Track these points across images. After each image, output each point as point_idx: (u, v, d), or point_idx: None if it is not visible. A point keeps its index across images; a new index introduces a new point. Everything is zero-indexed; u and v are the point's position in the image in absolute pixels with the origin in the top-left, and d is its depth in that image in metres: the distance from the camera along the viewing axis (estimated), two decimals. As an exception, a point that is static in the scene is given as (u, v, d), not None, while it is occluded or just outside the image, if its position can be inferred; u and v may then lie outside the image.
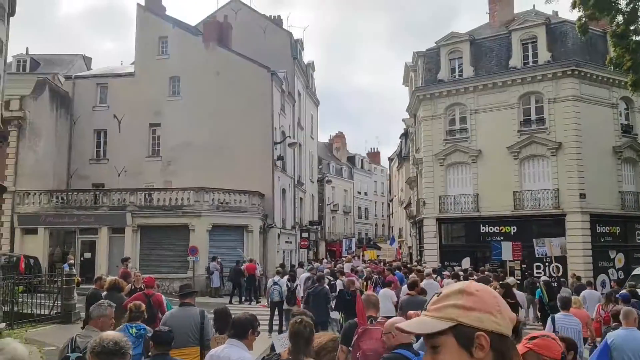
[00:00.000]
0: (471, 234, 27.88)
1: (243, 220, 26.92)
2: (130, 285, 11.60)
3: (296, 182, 36.73)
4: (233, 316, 4.49)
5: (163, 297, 11.16)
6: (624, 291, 11.63)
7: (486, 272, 17.68)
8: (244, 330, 4.29)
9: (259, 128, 29.62)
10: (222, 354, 4.22)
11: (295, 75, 37.29)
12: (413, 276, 11.60)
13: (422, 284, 11.21)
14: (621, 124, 27.59)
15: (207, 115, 29.72)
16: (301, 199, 39.42)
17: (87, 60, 38.47)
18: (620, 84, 25.51)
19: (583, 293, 13.62)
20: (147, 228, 25.64)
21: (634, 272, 23.37)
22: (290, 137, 33.07)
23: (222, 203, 26.51)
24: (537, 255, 22.01)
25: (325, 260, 26.94)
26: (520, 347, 2.87)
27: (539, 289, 14.85)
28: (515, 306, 9.12)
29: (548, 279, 17.10)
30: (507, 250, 21.51)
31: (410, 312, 5.27)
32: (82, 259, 25.66)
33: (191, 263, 24.32)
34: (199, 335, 6.37)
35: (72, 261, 21.21)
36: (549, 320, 7.70)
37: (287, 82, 34.30)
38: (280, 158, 31.49)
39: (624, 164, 27.35)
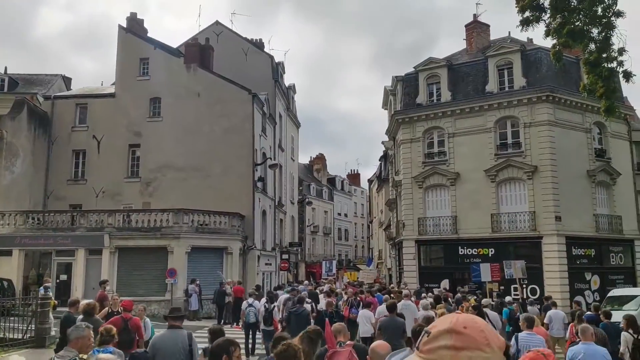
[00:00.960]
0: (450, 256, 28.11)
1: (223, 242, 26.78)
2: (107, 308, 11.49)
3: (276, 204, 36.74)
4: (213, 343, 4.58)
5: (148, 321, 11.11)
6: (589, 312, 12.49)
7: (460, 294, 17.80)
8: (218, 356, 4.40)
9: (240, 149, 29.68)
10: None
11: (276, 97, 37.56)
12: (388, 297, 12.23)
13: (399, 305, 11.61)
14: (595, 148, 28.28)
15: (187, 137, 29.72)
16: (281, 220, 39.39)
17: (67, 81, 38.24)
18: (593, 109, 26.24)
19: (549, 313, 14.43)
20: (125, 250, 25.34)
21: (609, 294, 23.80)
22: (271, 158, 33.18)
23: (201, 225, 26.37)
24: (506, 277, 22.30)
25: (306, 282, 26.93)
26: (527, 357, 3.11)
27: (505, 310, 15.33)
28: None
29: (512, 300, 17.38)
30: (486, 272, 21.80)
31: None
32: (57, 281, 25.18)
33: (169, 285, 24.06)
34: (189, 357, 6.54)
35: (48, 284, 20.80)
36: (513, 338, 8.03)
37: (268, 104, 34.53)
38: (261, 179, 31.53)
39: (597, 187, 27.97)
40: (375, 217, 62.24)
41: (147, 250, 25.33)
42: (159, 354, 6.56)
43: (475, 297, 17.51)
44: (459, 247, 27.85)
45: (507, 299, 17.91)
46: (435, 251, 29.63)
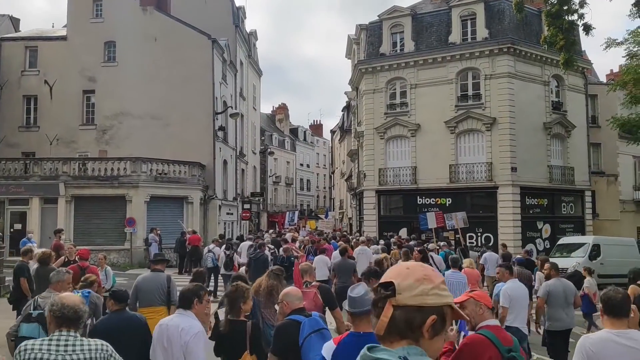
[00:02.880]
0: (409, 205, 28.63)
1: (183, 192, 26.52)
2: (63, 257, 11.31)
3: (238, 153, 36.40)
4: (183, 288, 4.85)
5: (109, 269, 11.01)
6: (519, 256, 14.81)
7: (411, 242, 18.55)
8: (189, 301, 4.58)
9: (200, 97, 29.01)
10: (170, 322, 4.52)
11: (237, 44, 36.58)
12: (341, 243, 14.24)
13: (356, 250, 13.56)
14: (552, 101, 28.86)
15: (144, 83, 28.79)
16: (243, 170, 39.17)
17: (15, 22, 36.15)
18: (552, 62, 26.63)
19: (484, 255, 16.37)
20: (82, 199, 24.79)
21: (559, 242, 24.90)
22: (232, 107, 32.60)
23: (160, 174, 25.96)
24: (448, 228, 23.44)
25: (271, 231, 27.32)
26: (463, 297, 4.02)
27: (442, 252, 16.63)
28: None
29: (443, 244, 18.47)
30: (431, 220, 22.68)
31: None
32: (12, 230, 24.56)
33: (129, 234, 23.83)
34: (166, 297, 7.34)
35: (31, 234, 20.47)
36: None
37: (229, 50, 33.63)
38: (222, 128, 31.06)
39: (552, 140, 28.72)
40: (337, 168, 62.60)
41: (105, 199, 24.87)
42: (141, 293, 7.27)
43: (433, 243, 18.14)
44: (418, 197, 28.38)
45: (441, 244, 19.03)
46: (395, 201, 30.12)
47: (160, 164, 26.09)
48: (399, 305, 1.66)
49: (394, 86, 29.83)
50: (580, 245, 23.05)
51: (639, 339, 3.65)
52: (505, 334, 3.91)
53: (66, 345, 3.23)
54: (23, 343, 3.38)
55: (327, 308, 6.28)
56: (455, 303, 1.77)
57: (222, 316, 5.35)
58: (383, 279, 1.75)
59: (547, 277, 8.50)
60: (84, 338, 3.42)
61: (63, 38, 30.58)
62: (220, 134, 30.80)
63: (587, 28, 13.12)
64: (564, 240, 24.98)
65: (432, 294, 1.67)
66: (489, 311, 3.98)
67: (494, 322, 3.98)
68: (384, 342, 1.68)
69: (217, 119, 30.14)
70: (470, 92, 28.04)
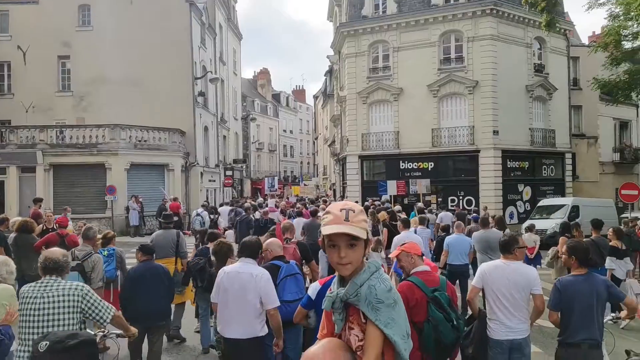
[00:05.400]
0: (392, 170, 28.63)
1: (163, 159, 26.21)
2: (41, 225, 11.16)
3: (219, 120, 35.96)
4: (244, 240, 5.36)
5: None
6: (475, 214, 16.64)
7: (386, 204, 19.40)
8: (255, 251, 5.21)
9: (178, 62, 28.39)
10: (241, 270, 4.96)
11: (215, 7, 35.71)
12: (313, 206, 15.81)
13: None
14: (534, 64, 28.79)
15: (121, 48, 28.02)
16: (225, 136, 38.78)
17: (-17, -16, 34.79)
18: (535, 24, 26.44)
19: (440, 214, 17.52)
20: (61, 167, 24.38)
21: (539, 204, 25.25)
22: (211, 72, 31.98)
23: (140, 141, 25.57)
24: (410, 193, 24.49)
25: (261, 199, 27.61)
26: (396, 251, 4.80)
27: (413, 212, 17.84)
28: (397, 227, 11.55)
29: (422, 206, 19.32)
30: (392, 187, 23.58)
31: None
32: (-11, 200, 24.17)
33: (109, 202, 23.58)
34: (176, 249, 8.64)
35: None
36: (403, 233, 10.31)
37: (207, 13, 32.81)
38: (202, 94, 30.56)
39: (534, 102, 28.78)
40: (320, 134, 62.34)
41: (84, 167, 24.49)
42: (157, 247, 8.07)
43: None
44: (401, 162, 28.41)
45: (418, 205, 20.31)
46: (378, 166, 30.10)
47: (140, 130, 25.68)
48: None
49: (376, 49, 29.47)
50: (559, 207, 23.41)
51: (519, 267, 5.09)
52: (433, 277, 4.54)
53: (46, 287, 4.12)
54: (23, 286, 4.28)
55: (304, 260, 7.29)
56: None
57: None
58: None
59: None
60: (63, 281, 4.20)
61: (35, 1, 29.48)
62: (200, 99, 30.32)
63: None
64: (544, 202, 25.33)
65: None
66: (420, 259, 4.68)
67: (423, 267, 4.63)
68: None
69: (196, 84, 29.61)
70: (452, 55, 27.82)
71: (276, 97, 68.23)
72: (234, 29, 43.26)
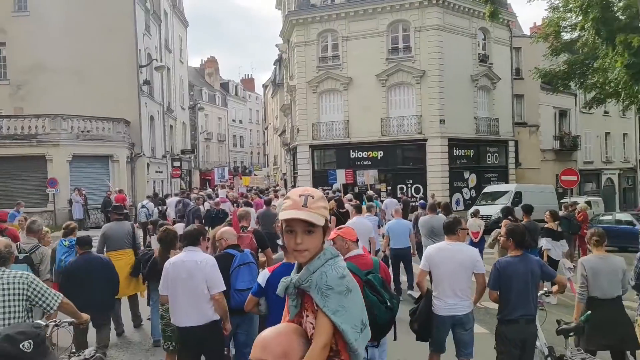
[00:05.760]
0: (342, 160, 28.77)
1: (107, 150, 25.37)
2: (-22, 220, 10.60)
3: (165, 109, 35.10)
4: (185, 229, 5.47)
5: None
6: (422, 201, 16.92)
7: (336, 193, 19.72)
8: (196, 238, 5.17)
9: (122, 49, 27.43)
10: (186, 258, 5.00)
11: (160, -7, 34.68)
12: (267, 196, 16.43)
13: (277, 202, 15.06)
14: (479, 54, 29.52)
15: (61, 34, 26.77)
16: (172, 126, 37.91)
17: None
18: (479, 15, 27.06)
19: (385, 201, 18.18)
20: (-2, 159, 23.24)
21: (484, 191, 26.00)
22: (157, 60, 31.11)
23: (82, 131, 24.66)
24: (358, 183, 24.82)
25: (210, 190, 27.25)
26: (332, 234, 4.79)
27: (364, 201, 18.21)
28: (345, 214, 11.90)
29: (372, 193, 20.21)
30: (340, 176, 23.95)
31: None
32: None
33: (51, 195, 22.66)
34: (132, 241, 8.51)
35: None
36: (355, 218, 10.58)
37: None
38: (147, 83, 29.70)
39: (479, 92, 29.56)
40: (270, 123, 61.93)
41: (23, 159, 23.40)
42: (110, 240, 8.33)
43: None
44: (351, 151, 28.60)
45: (369, 192, 20.83)
46: (328, 155, 30.18)
47: (82, 120, 24.75)
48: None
49: (325, 38, 29.45)
50: (503, 193, 24.20)
51: (462, 248, 5.47)
52: (366, 260, 4.71)
53: None
54: None
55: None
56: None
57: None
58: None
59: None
60: (7, 270, 4.15)
61: (-36, -16, 27.83)
62: (145, 88, 29.47)
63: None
64: (488, 188, 26.13)
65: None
66: (354, 244, 4.86)
67: (356, 252, 4.82)
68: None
69: (141, 73, 28.74)
70: (400, 44, 28.14)
71: (224, 86, 67.20)
72: (180, 16, 42.21)
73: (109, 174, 25.36)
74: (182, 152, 40.58)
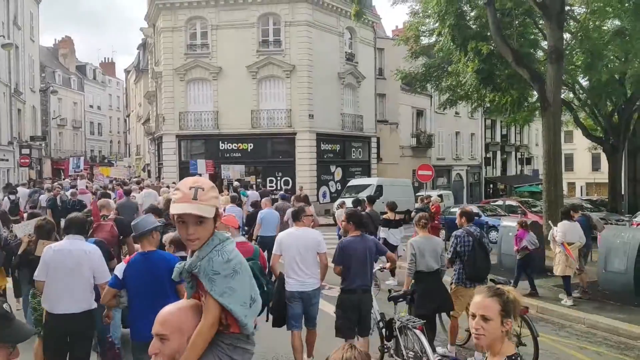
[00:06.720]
0: (211, 151, 28.23)
1: (-58, 134, 22.44)
2: None
3: (13, 91, 31.77)
4: (70, 217, 5.32)
5: None
6: (281, 192, 17.51)
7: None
8: (83, 227, 5.30)
9: (-40, 22, 24.35)
10: (72, 247, 4.98)
11: (7, -38, 31.22)
12: (126, 187, 16.83)
13: (142, 193, 15.94)
14: (345, 52, 30.64)
15: None
16: (20, 110, 34.42)
17: None
18: (347, 14, 28.04)
19: (248, 193, 18.47)
20: None
21: (348, 184, 27.13)
22: (3, 36, 28.03)
23: None
24: (223, 178, 24.71)
25: (49, 180, 25.12)
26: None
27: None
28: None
29: (238, 185, 20.97)
30: (201, 167, 23.85)
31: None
32: None
33: None
34: None
35: None
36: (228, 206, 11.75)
37: (-3, -31, 28.59)
38: (-9, 61, 26.66)
39: (345, 89, 30.72)
40: (133, 111, 58.78)
41: None
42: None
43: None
44: (220, 143, 28.20)
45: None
46: (196, 146, 29.43)
47: None
48: None
49: (194, 26, 28.64)
50: (366, 186, 25.45)
51: (307, 232, 6.26)
52: (248, 248, 5.33)
53: None
54: None
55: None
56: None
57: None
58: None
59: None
60: None
61: None
62: (-11, 67, 26.44)
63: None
64: (353, 182, 27.32)
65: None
66: (236, 231, 5.46)
67: (239, 239, 5.35)
68: None
69: (-16, 50, 25.74)
70: (271, 38, 28.27)
71: (81, 69, 62.45)
72: (31, -10, 38.35)
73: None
74: (32, 138, 37.03)
